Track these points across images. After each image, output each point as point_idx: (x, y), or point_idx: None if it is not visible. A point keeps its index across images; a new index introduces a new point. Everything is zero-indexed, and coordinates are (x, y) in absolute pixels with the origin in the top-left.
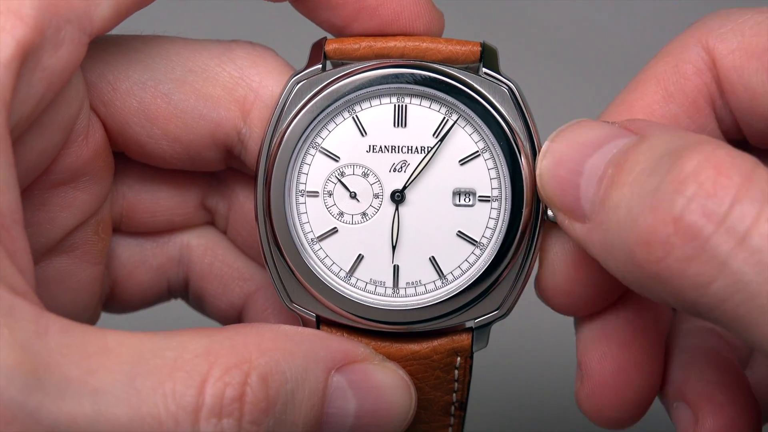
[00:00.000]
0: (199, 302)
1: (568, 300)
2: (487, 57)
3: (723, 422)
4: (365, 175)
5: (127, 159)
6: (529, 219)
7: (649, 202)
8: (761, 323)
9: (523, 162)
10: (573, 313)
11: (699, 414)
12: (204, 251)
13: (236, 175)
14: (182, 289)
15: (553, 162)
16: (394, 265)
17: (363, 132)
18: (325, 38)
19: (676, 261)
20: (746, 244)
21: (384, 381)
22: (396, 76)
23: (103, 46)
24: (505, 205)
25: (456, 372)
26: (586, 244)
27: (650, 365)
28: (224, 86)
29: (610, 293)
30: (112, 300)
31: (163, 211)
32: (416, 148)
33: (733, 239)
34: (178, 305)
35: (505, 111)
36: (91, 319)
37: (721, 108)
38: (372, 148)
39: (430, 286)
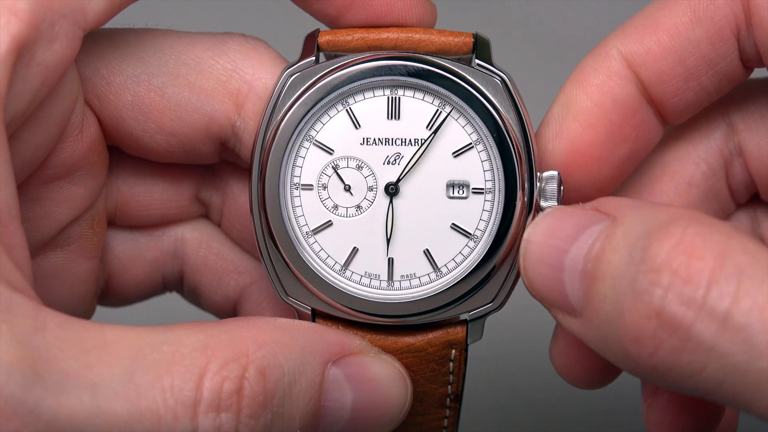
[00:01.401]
0: (194, 295)
1: (580, 375)
2: (480, 48)
3: (680, 397)
4: (359, 167)
5: (121, 153)
6: (522, 211)
7: (630, 296)
8: (758, 399)
9: (516, 154)
10: (587, 386)
11: (658, 388)
12: (198, 244)
13: (230, 167)
14: (177, 282)
15: (533, 261)
16: (389, 258)
17: (357, 124)
18: (318, 30)
19: (667, 354)
20: (729, 325)
21: (380, 373)
22: (389, 68)
23: (97, 40)
24: (499, 197)
25: (451, 364)
26: (582, 339)
27: None
28: (218, 79)
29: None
30: (107, 293)
31: (158, 204)
32: (410, 140)
33: (716, 322)
34: (173, 298)
35: (498, 103)
36: (86, 313)
37: (746, 39)
38: (366, 141)
39: (425, 279)
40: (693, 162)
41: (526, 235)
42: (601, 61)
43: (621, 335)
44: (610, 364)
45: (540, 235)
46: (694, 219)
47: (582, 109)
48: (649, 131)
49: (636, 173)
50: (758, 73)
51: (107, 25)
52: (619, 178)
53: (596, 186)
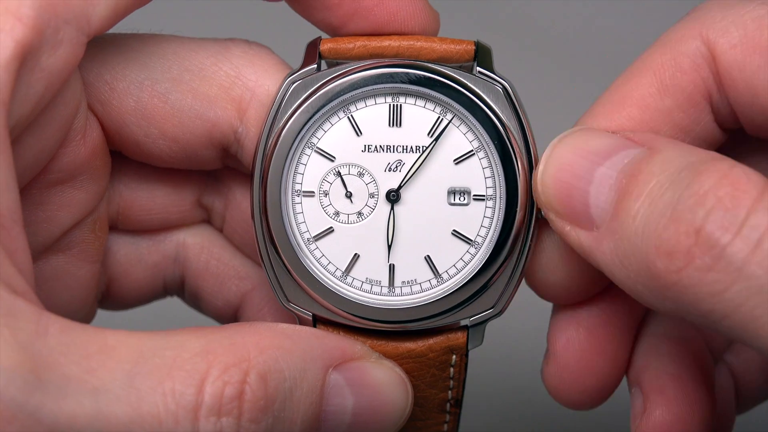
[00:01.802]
0: (195, 300)
1: (555, 292)
2: (482, 56)
3: (669, 417)
4: (361, 174)
5: (124, 157)
6: (523, 218)
7: (670, 214)
8: None
9: (518, 161)
10: (556, 301)
11: (648, 404)
12: (200, 249)
13: (232, 173)
14: (178, 287)
15: (557, 168)
16: (390, 264)
17: (358, 132)
18: (320, 38)
19: (696, 270)
20: (760, 249)
21: (381, 378)
22: (391, 75)
23: (100, 45)
24: (500, 204)
25: (451, 370)
26: (591, 253)
27: (615, 354)
28: (220, 85)
29: (594, 288)
30: (108, 297)
31: (160, 209)
32: (411, 147)
33: (748, 246)
34: (174, 303)
35: (500, 110)
36: (87, 317)
37: (718, 101)
38: (367, 148)
39: (426, 285)
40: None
41: (554, 142)
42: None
43: (650, 249)
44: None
45: (570, 145)
46: (737, 164)
47: None
48: None
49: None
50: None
51: (111, 31)
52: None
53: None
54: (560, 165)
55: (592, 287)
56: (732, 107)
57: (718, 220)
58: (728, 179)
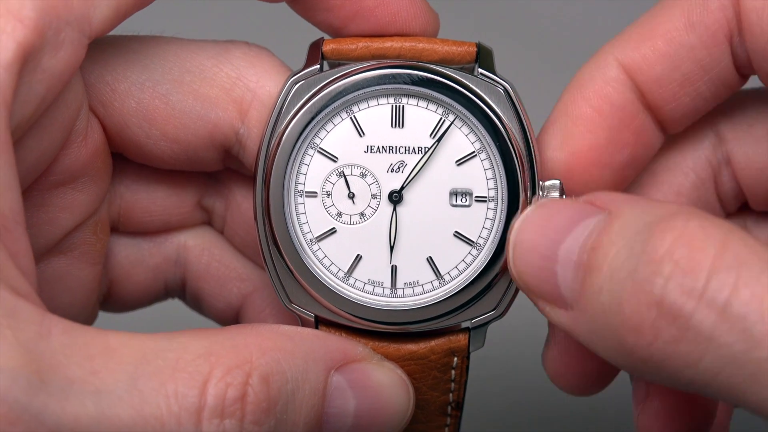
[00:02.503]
0: (196, 302)
1: (573, 382)
2: (483, 57)
3: (671, 402)
4: (363, 175)
5: (125, 159)
6: None
7: (630, 287)
8: (754, 391)
9: (519, 162)
10: (579, 393)
11: (650, 390)
12: (201, 251)
13: (233, 175)
14: (179, 289)
15: (523, 251)
16: (392, 266)
17: (361, 132)
18: (322, 39)
19: (665, 343)
20: (728, 314)
21: (383, 380)
22: (393, 76)
23: (101, 47)
24: (501, 206)
25: (453, 372)
26: (572, 332)
27: None
28: (221, 86)
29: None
30: (110, 299)
31: (160, 211)
32: (413, 148)
33: (715, 312)
34: (175, 305)
35: (501, 111)
36: (88, 319)
37: (738, 45)
38: (370, 149)
39: (428, 287)
40: (682, 172)
41: (516, 224)
42: (599, 68)
43: (619, 325)
44: (601, 369)
45: (532, 225)
46: (694, 213)
47: (581, 115)
48: (648, 137)
49: None
50: (752, 81)
51: (112, 32)
52: (620, 185)
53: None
54: (525, 248)
55: (607, 372)
56: (748, 53)
57: (678, 288)
58: (684, 239)
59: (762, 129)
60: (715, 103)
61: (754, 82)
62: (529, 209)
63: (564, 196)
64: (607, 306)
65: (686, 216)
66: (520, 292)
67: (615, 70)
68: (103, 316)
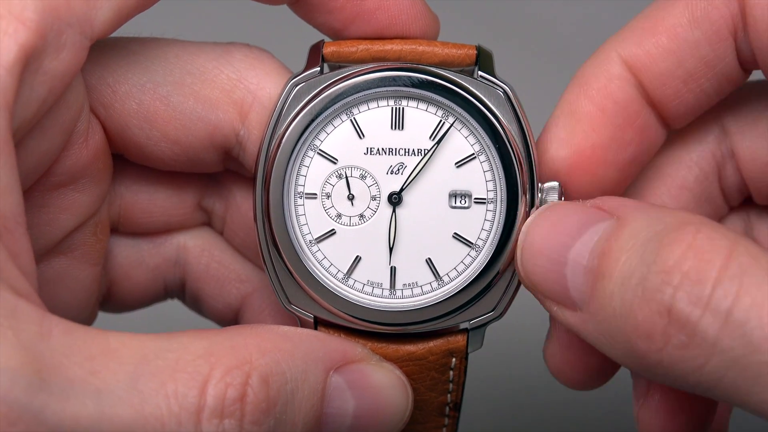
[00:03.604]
0: (195, 303)
1: (574, 376)
2: (483, 60)
3: (671, 397)
4: (363, 177)
5: (125, 160)
6: (524, 221)
7: (642, 294)
8: (755, 392)
9: (518, 164)
10: (581, 387)
11: (650, 386)
12: (200, 252)
13: (233, 176)
14: (179, 289)
15: (533, 252)
16: (391, 267)
17: (361, 134)
18: (322, 41)
19: (674, 348)
20: (730, 321)
21: (381, 381)
22: (393, 79)
23: (102, 48)
24: (500, 207)
25: (451, 373)
26: (580, 332)
27: None
28: (222, 88)
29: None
30: (109, 300)
31: (160, 212)
32: (413, 150)
33: (719, 319)
34: (174, 306)
35: (501, 114)
36: (88, 319)
37: (742, 39)
38: (369, 151)
39: (427, 288)
40: (686, 165)
41: (525, 226)
42: (602, 64)
43: (630, 331)
44: (603, 364)
45: (542, 228)
46: (703, 224)
47: (584, 113)
48: (651, 134)
49: None
50: (754, 76)
51: (112, 34)
52: (623, 182)
53: (601, 190)
54: (535, 250)
55: (609, 367)
56: (753, 49)
57: (686, 297)
58: (692, 250)
59: (767, 123)
60: (718, 99)
61: (757, 75)
62: (538, 211)
63: (563, 198)
64: (618, 311)
65: (695, 227)
66: (519, 293)
67: (618, 67)
68: (103, 316)
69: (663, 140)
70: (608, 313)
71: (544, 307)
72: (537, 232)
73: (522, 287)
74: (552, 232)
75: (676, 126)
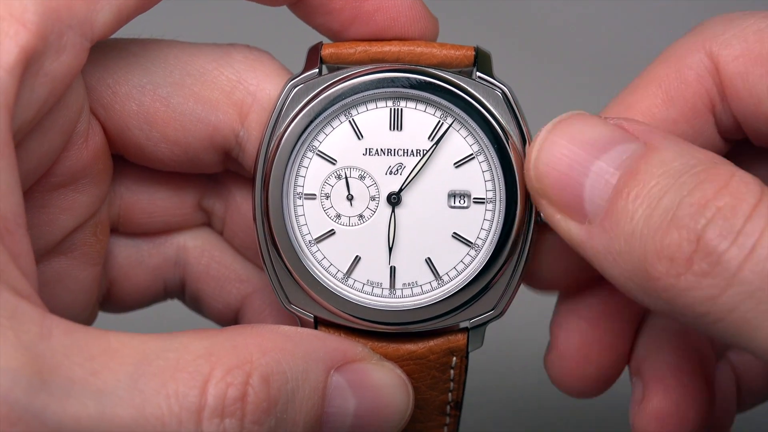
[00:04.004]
0: (195, 303)
1: (549, 284)
2: (481, 61)
3: (667, 404)
4: (362, 177)
5: (125, 161)
6: (523, 220)
7: (671, 219)
8: (764, 327)
9: (517, 164)
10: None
11: (647, 392)
12: (200, 252)
13: (233, 176)
14: (179, 289)
15: (552, 157)
16: (391, 267)
17: (359, 135)
18: (321, 43)
19: (694, 275)
20: (753, 255)
21: (382, 380)
22: (392, 80)
23: (102, 50)
24: (500, 207)
25: (452, 372)
26: (581, 245)
27: (615, 345)
28: (222, 89)
29: (587, 278)
30: (109, 300)
31: (160, 212)
32: (412, 151)
33: (743, 252)
34: (174, 306)
35: (499, 114)
36: (88, 319)
37: (721, 112)
38: (368, 151)
39: (426, 287)
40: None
41: (546, 129)
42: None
43: (650, 252)
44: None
45: (567, 133)
46: (736, 167)
47: None
48: None
49: None
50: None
51: (112, 36)
52: None
53: None
54: (555, 154)
55: (584, 279)
56: (735, 117)
57: (717, 229)
58: (728, 189)
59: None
60: None
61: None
62: (557, 118)
63: None
64: (639, 231)
65: (730, 170)
66: (519, 293)
67: None
68: (103, 316)
69: None
70: (625, 231)
71: (543, 214)
72: (559, 135)
73: (522, 286)
74: (577, 140)
75: None
